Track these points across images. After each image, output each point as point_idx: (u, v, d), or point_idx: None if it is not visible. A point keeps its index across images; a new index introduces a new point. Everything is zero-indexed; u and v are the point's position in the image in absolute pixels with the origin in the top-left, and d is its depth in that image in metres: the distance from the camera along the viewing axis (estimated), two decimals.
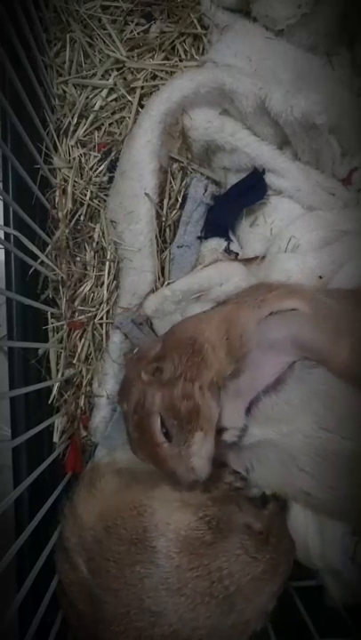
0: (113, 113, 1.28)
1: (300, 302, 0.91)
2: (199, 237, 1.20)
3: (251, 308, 0.92)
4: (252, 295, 0.96)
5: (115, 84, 1.26)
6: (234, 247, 1.20)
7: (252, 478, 0.97)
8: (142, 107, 1.23)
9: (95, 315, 1.24)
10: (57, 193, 1.26)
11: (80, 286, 1.25)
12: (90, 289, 1.25)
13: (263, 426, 0.92)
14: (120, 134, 1.27)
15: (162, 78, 1.26)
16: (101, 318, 1.24)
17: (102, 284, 1.24)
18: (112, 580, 0.85)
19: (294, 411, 0.90)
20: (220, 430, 0.91)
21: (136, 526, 0.87)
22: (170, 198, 1.23)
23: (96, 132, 1.28)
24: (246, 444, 0.94)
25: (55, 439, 1.20)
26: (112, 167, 1.25)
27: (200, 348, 0.89)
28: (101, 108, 1.28)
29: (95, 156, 1.27)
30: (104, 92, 1.27)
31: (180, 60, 1.27)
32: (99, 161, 1.27)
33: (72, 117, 1.27)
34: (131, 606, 0.83)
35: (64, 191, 1.26)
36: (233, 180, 1.21)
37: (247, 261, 1.16)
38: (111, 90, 1.27)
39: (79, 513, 0.96)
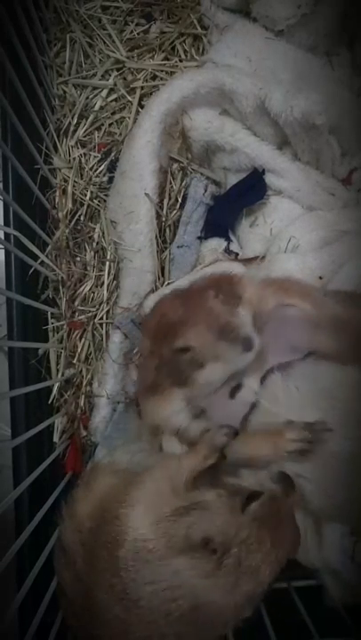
0: (113, 113, 1.28)
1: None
2: (199, 237, 1.20)
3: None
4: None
5: (115, 85, 1.26)
6: (234, 247, 1.20)
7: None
8: (142, 107, 1.23)
9: (95, 315, 1.24)
10: (57, 193, 1.26)
11: (80, 286, 1.25)
12: (90, 289, 1.25)
13: (273, 404, 0.92)
14: (120, 134, 1.27)
15: (162, 78, 1.26)
16: (101, 318, 1.24)
17: (102, 284, 1.24)
18: (91, 585, 0.83)
19: (302, 400, 0.90)
20: (238, 386, 0.93)
21: (111, 530, 0.83)
22: (170, 198, 1.23)
23: (96, 132, 1.28)
24: (255, 424, 0.94)
25: (55, 439, 1.20)
26: (112, 167, 1.25)
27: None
28: (101, 108, 1.28)
29: (95, 157, 1.27)
30: (104, 93, 1.27)
31: (180, 61, 1.28)
32: (99, 161, 1.27)
33: (72, 117, 1.27)
34: (104, 613, 0.80)
35: (64, 191, 1.26)
36: (233, 180, 1.21)
37: (247, 261, 1.16)
38: (111, 90, 1.28)
39: (75, 513, 0.94)
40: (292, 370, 0.93)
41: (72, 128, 1.28)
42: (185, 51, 1.28)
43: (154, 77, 1.27)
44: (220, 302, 0.95)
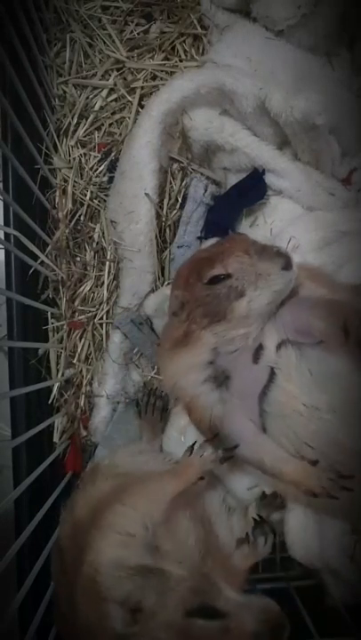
0: (113, 113, 1.28)
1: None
2: (199, 237, 1.20)
3: None
4: None
5: (115, 85, 1.27)
6: None
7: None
8: (142, 107, 1.23)
9: (95, 315, 1.24)
10: (57, 193, 1.26)
11: (80, 286, 1.25)
12: (90, 289, 1.25)
13: (286, 381, 0.91)
14: (120, 134, 1.27)
15: (162, 78, 1.26)
16: (101, 318, 1.24)
17: (102, 284, 1.24)
18: (74, 587, 0.80)
19: (313, 385, 0.89)
20: (260, 347, 0.92)
21: (88, 539, 0.81)
22: (170, 198, 1.24)
23: (96, 132, 1.28)
24: (272, 401, 0.92)
25: (55, 439, 1.20)
26: (112, 167, 1.25)
27: None
28: (101, 108, 1.28)
29: (95, 157, 1.27)
30: (104, 93, 1.27)
31: (180, 61, 1.27)
32: (99, 161, 1.27)
33: (72, 117, 1.27)
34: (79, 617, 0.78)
35: (64, 191, 1.26)
36: (233, 180, 1.21)
37: None
38: (111, 90, 1.28)
39: (73, 514, 0.93)
40: (304, 352, 0.91)
41: (72, 128, 1.28)
42: (185, 51, 1.28)
43: (154, 77, 1.27)
44: (256, 241, 0.96)
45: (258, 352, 0.93)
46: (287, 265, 0.89)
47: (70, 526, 0.91)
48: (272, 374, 0.92)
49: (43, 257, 1.18)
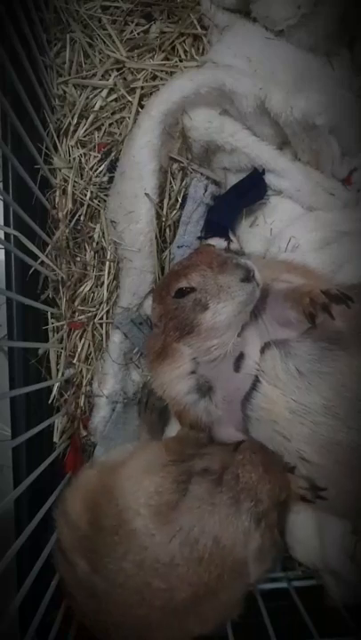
0: (113, 113, 1.28)
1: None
2: (199, 237, 1.20)
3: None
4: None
5: (115, 85, 1.26)
6: (234, 247, 1.20)
7: None
8: (142, 107, 1.23)
9: (95, 315, 1.24)
10: (57, 193, 1.26)
11: (80, 286, 1.25)
12: (90, 289, 1.25)
13: (273, 384, 0.92)
14: (120, 134, 1.27)
15: (162, 78, 1.26)
16: (101, 318, 1.24)
17: (102, 284, 1.24)
18: (114, 573, 0.85)
19: (303, 385, 0.90)
20: (241, 356, 0.94)
21: (112, 512, 0.88)
22: (170, 198, 1.24)
23: (96, 132, 1.28)
24: (255, 407, 0.94)
25: (55, 439, 1.20)
26: (112, 167, 1.25)
27: None
28: (101, 108, 1.28)
29: (95, 157, 1.27)
30: (104, 93, 1.27)
31: (180, 61, 1.28)
32: (99, 161, 1.27)
33: (72, 117, 1.27)
34: (143, 592, 0.84)
35: (64, 191, 1.26)
36: (233, 180, 1.22)
37: None
38: (111, 90, 1.28)
39: (67, 512, 0.96)
40: (291, 349, 0.92)
41: (72, 128, 1.28)
42: (185, 51, 1.28)
43: (154, 77, 1.27)
44: (224, 251, 1.00)
45: (239, 361, 0.94)
46: (246, 277, 0.90)
47: (71, 520, 0.94)
48: (255, 382, 0.93)
49: (43, 257, 1.18)
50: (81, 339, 1.25)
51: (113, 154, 1.26)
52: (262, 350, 0.93)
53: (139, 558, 0.84)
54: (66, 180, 1.26)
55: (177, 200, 1.24)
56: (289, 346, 0.92)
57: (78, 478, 1.02)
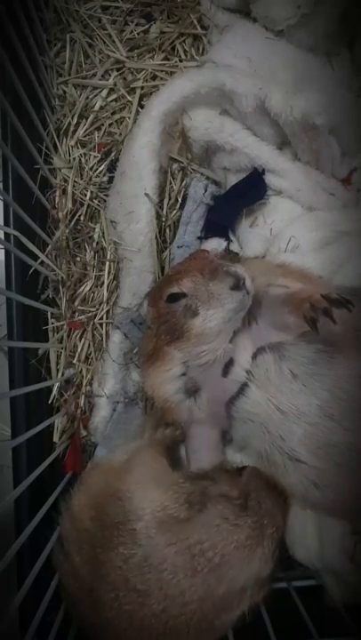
0: (113, 113, 1.28)
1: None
2: (199, 237, 1.20)
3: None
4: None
5: (115, 85, 1.26)
6: (234, 247, 1.20)
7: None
8: (142, 107, 1.23)
9: (95, 315, 1.24)
10: (57, 193, 1.26)
11: (80, 286, 1.25)
12: (90, 289, 1.25)
13: (263, 389, 0.92)
14: (120, 134, 1.27)
15: (162, 78, 1.26)
16: (101, 318, 1.24)
17: (102, 284, 1.24)
18: (100, 565, 0.87)
19: (297, 387, 0.90)
20: (230, 362, 0.94)
21: (117, 511, 0.90)
22: (170, 198, 1.24)
23: (96, 132, 1.28)
24: (240, 409, 0.94)
25: (55, 439, 1.20)
26: (112, 167, 1.25)
27: None
28: (101, 108, 1.28)
29: (95, 156, 1.27)
30: (104, 93, 1.27)
31: (180, 61, 1.28)
32: (99, 161, 1.27)
33: (72, 117, 1.27)
34: (119, 589, 0.85)
35: (64, 191, 1.26)
36: (233, 180, 1.21)
37: None
38: (111, 90, 1.28)
39: (70, 506, 0.99)
40: (286, 352, 0.92)
41: (72, 128, 1.28)
42: (185, 51, 1.28)
43: (154, 77, 1.27)
44: (217, 257, 1.00)
45: (227, 366, 0.95)
46: (236, 285, 0.90)
47: (74, 514, 0.97)
48: (243, 386, 0.94)
49: (43, 257, 1.18)
50: (81, 339, 1.25)
51: (113, 154, 1.26)
52: (254, 356, 0.94)
53: (127, 553, 0.86)
54: (66, 180, 1.26)
55: (177, 200, 1.24)
56: (284, 349, 0.92)
57: (86, 476, 1.04)
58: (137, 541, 0.86)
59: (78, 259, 1.26)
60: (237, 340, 0.95)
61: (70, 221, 1.25)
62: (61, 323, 1.24)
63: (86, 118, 1.27)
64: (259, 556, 0.87)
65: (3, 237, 1.07)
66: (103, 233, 1.23)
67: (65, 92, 1.29)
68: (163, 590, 0.83)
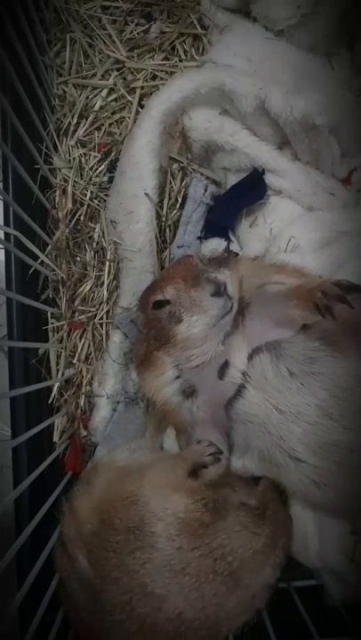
0: (113, 113, 1.28)
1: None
2: (199, 237, 1.20)
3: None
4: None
5: (115, 84, 1.26)
6: (234, 247, 1.20)
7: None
8: (142, 107, 1.23)
9: (95, 315, 1.24)
10: (57, 193, 1.26)
11: (80, 286, 1.25)
12: (90, 289, 1.25)
13: (260, 389, 0.92)
14: (120, 134, 1.27)
15: (162, 78, 1.26)
16: (101, 318, 1.24)
17: (102, 283, 1.24)
18: (112, 568, 0.87)
19: (295, 386, 0.90)
20: (225, 364, 0.94)
21: (131, 515, 0.90)
22: (170, 198, 1.24)
23: (96, 132, 1.28)
24: (239, 411, 0.94)
25: (55, 439, 1.20)
26: (112, 167, 1.25)
27: None
28: (101, 108, 1.28)
29: (95, 156, 1.27)
30: (104, 92, 1.27)
31: (180, 61, 1.28)
32: (99, 161, 1.27)
33: (72, 117, 1.27)
34: (133, 592, 0.85)
35: (64, 191, 1.26)
36: (233, 180, 1.21)
37: None
38: (111, 90, 1.28)
39: (76, 508, 0.98)
40: (283, 350, 0.92)
41: (72, 128, 1.28)
42: (185, 51, 1.28)
43: (154, 77, 1.27)
44: (201, 262, 1.01)
45: (223, 369, 0.95)
46: (217, 292, 0.91)
47: (79, 518, 0.96)
48: (240, 388, 0.94)
49: (43, 257, 1.18)
50: (81, 339, 1.25)
51: (113, 154, 1.26)
52: (250, 356, 0.94)
53: (146, 557, 0.85)
54: (66, 180, 1.26)
55: (177, 200, 1.24)
56: (280, 347, 0.92)
57: (91, 478, 1.03)
58: (155, 545, 0.86)
59: (78, 259, 1.26)
60: (231, 342, 0.95)
61: (70, 221, 1.25)
62: (61, 323, 1.24)
63: (86, 118, 1.27)
64: (271, 563, 0.89)
65: (3, 237, 1.07)
66: (103, 233, 1.23)
67: (65, 91, 1.29)
68: (183, 594, 0.84)
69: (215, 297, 0.91)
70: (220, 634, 0.87)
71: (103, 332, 1.24)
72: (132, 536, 0.87)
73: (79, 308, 1.24)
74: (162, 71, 1.26)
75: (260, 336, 0.95)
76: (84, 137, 1.28)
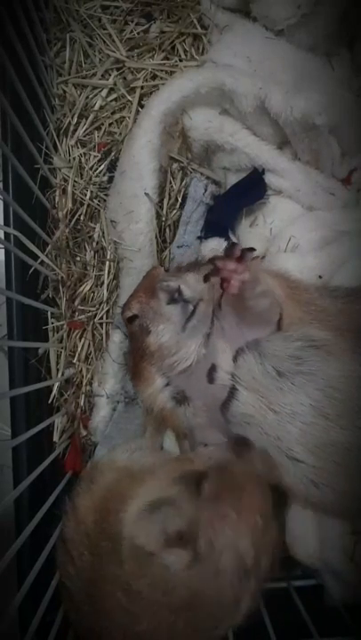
0: (113, 113, 1.28)
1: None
2: (199, 237, 1.20)
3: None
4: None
5: (115, 84, 1.26)
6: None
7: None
8: (142, 107, 1.23)
9: (95, 314, 1.24)
10: (57, 193, 1.26)
11: (80, 286, 1.25)
12: (90, 289, 1.25)
13: (251, 390, 0.91)
14: (120, 134, 1.27)
15: (162, 78, 1.26)
16: (101, 318, 1.24)
17: (102, 283, 1.24)
18: (96, 575, 0.85)
19: (286, 386, 0.89)
20: (213, 367, 0.95)
21: (113, 523, 0.87)
22: (170, 198, 1.24)
23: (96, 131, 1.28)
24: (235, 413, 0.94)
25: (55, 439, 1.20)
26: (112, 167, 1.25)
27: None
28: (101, 107, 1.28)
29: (95, 156, 1.27)
30: (104, 92, 1.27)
31: (180, 60, 1.28)
32: (99, 161, 1.27)
33: (72, 117, 1.27)
34: (109, 604, 0.82)
35: (64, 191, 1.26)
36: (233, 180, 1.21)
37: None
38: (111, 90, 1.28)
39: (77, 506, 0.98)
40: (264, 349, 0.91)
41: (72, 128, 1.28)
42: (185, 50, 1.28)
43: (154, 77, 1.27)
44: (166, 270, 1.04)
45: (211, 373, 0.95)
46: (171, 299, 0.94)
47: (79, 516, 0.95)
48: (232, 390, 0.93)
49: (43, 257, 1.18)
50: (81, 338, 1.25)
51: (113, 153, 1.26)
52: (235, 358, 0.94)
53: (115, 572, 0.82)
54: (66, 180, 1.26)
55: (177, 200, 1.24)
56: (261, 346, 0.92)
57: (95, 477, 1.03)
58: (119, 563, 0.81)
59: (78, 258, 1.26)
60: (214, 345, 0.95)
61: (70, 221, 1.25)
62: (61, 322, 1.24)
63: (86, 118, 1.27)
64: (228, 590, 0.79)
65: (3, 237, 1.07)
66: (103, 233, 1.23)
67: (65, 91, 1.29)
68: (147, 614, 0.78)
69: (171, 304, 0.94)
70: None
71: (103, 332, 1.24)
72: (110, 544, 0.84)
73: (79, 307, 1.24)
74: (162, 71, 1.26)
75: (239, 336, 0.95)
76: (84, 137, 1.28)
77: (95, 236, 1.25)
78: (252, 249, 0.86)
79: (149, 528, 0.80)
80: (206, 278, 0.87)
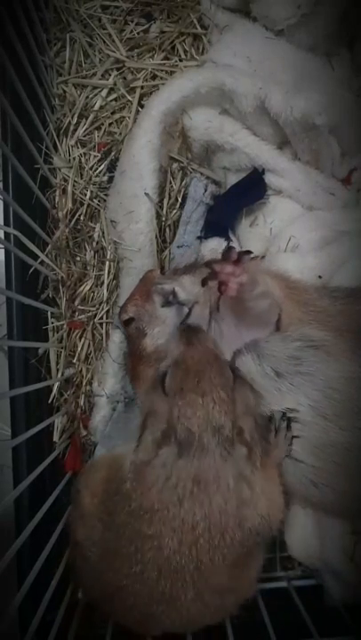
0: (113, 113, 1.28)
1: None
2: (199, 237, 1.20)
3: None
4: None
5: (115, 84, 1.26)
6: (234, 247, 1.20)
7: None
8: (142, 107, 1.23)
9: (95, 314, 1.24)
10: (57, 193, 1.26)
11: (80, 286, 1.25)
12: (90, 289, 1.25)
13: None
14: (120, 134, 1.27)
15: (162, 78, 1.26)
16: (101, 318, 1.24)
17: (102, 283, 1.24)
18: (118, 526, 0.87)
19: (284, 387, 0.89)
20: None
21: (119, 477, 0.90)
22: (170, 198, 1.24)
23: (96, 131, 1.28)
24: None
25: (55, 438, 1.20)
26: (112, 167, 1.25)
27: None
28: (101, 107, 1.28)
29: (95, 156, 1.27)
30: (104, 92, 1.27)
31: (180, 60, 1.28)
32: (99, 161, 1.27)
33: (72, 117, 1.27)
34: (135, 540, 0.85)
35: (64, 191, 1.26)
36: (233, 180, 1.21)
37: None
38: (111, 90, 1.28)
39: (88, 483, 0.99)
40: (262, 349, 0.91)
41: (72, 128, 1.28)
42: (185, 50, 1.28)
43: (154, 77, 1.28)
44: (159, 274, 1.04)
45: None
46: (166, 301, 0.96)
47: (90, 494, 0.97)
48: None
49: (43, 257, 1.18)
50: (81, 338, 1.25)
51: (113, 153, 1.26)
52: (233, 360, 0.93)
53: (129, 508, 0.86)
54: (66, 180, 1.26)
55: (177, 200, 1.24)
56: (260, 347, 0.92)
57: (101, 459, 1.06)
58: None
59: (78, 258, 1.26)
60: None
61: (70, 221, 1.25)
62: (61, 322, 1.24)
63: (86, 118, 1.27)
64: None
65: (3, 237, 1.07)
66: (103, 233, 1.23)
67: (65, 91, 1.29)
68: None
69: (166, 307, 0.96)
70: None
71: (103, 332, 1.24)
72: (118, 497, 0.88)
73: (79, 307, 1.24)
74: (162, 71, 1.26)
75: (237, 338, 0.95)
76: (84, 137, 1.28)
77: (95, 235, 1.25)
78: (249, 251, 0.87)
79: (145, 443, 0.86)
80: (204, 282, 0.87)
